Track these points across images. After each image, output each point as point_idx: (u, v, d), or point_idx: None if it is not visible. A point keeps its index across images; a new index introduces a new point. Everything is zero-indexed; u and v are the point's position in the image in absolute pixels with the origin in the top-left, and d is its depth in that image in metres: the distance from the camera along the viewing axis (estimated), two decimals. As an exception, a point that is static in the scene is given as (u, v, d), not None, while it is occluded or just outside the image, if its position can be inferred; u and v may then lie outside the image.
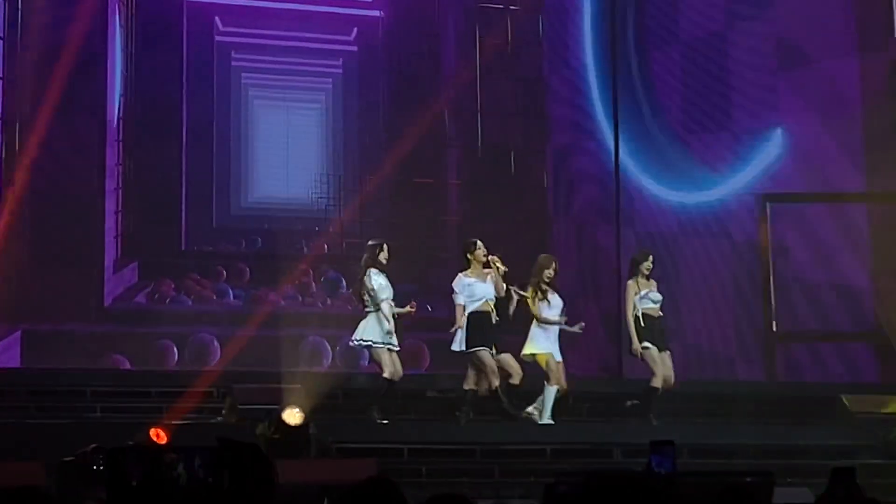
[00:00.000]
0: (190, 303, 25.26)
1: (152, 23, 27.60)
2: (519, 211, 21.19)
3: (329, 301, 24.92)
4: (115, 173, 23.64)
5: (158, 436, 8.52)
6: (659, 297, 11.92)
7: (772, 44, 14.54)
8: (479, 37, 22.15)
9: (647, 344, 11.71)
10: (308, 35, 34.06)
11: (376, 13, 32.13)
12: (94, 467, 7.91)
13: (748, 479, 6.82)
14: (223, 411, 11.67)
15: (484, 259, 11.63)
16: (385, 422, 11.53)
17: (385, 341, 11.53)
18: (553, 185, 21.23)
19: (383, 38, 31.22)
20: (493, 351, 11.50)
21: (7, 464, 8.60)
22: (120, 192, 24.68)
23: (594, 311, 17.72)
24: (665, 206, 16.65)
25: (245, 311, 22.39)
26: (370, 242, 12.19)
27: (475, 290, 11.58)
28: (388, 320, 11.50)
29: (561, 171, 20.79)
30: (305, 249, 28.51)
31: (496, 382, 11.45)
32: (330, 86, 37.72)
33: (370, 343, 11.55)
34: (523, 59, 22.13)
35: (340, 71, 36.56)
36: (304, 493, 8.31)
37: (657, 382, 11.65)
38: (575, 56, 19.73)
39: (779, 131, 14.33)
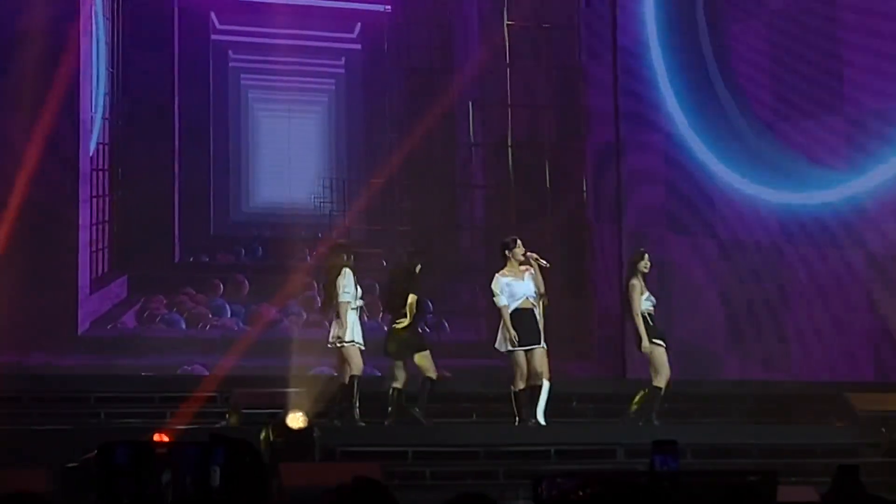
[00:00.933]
0: (183, 323, 22.58)
1: (141, 17, 24.98)
2: (553, 217, 18.25)
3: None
4: (94, 179, 20.52)
5: (161, 441, 8.29)
6: (653, 298, 11.57)
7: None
8: (507, 19, 18.73)
9: (659, 342, 11.34)
10: (309, 32, 31.72)
11: (381, 8, 29.44)
12: (98, 473, 8.12)
13: (752, 479, 6.43)
14: (227, 416, 11.51)
15: (522, 258, 11.30)
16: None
17: (361, 341, 11.45)
18: (594, 187, 17.86)
19: (389, 34, 28.34)
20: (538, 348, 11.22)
21: (9, 470, 8.43)
22: (106, 199, 21.87)
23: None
24: (763, 209, 12.89)
25: (240, 333, 19.67)
26: (341, 242, 12.94)
27: (515, 289, 11.23)
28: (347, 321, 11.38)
29: (604, 172, 17.33)
30: (309, 259, 25.98)
31: (521, 385, 11.22)
32: (333, 86, 36.18)
33: (353, 342, 11.38)
34: (557, 42, 18.78)
35: (343, 71, 34.83)
36: (307, 497, 7.68)
37: (661, 382, 11.28)
38: (623, 34, 16.23)
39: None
